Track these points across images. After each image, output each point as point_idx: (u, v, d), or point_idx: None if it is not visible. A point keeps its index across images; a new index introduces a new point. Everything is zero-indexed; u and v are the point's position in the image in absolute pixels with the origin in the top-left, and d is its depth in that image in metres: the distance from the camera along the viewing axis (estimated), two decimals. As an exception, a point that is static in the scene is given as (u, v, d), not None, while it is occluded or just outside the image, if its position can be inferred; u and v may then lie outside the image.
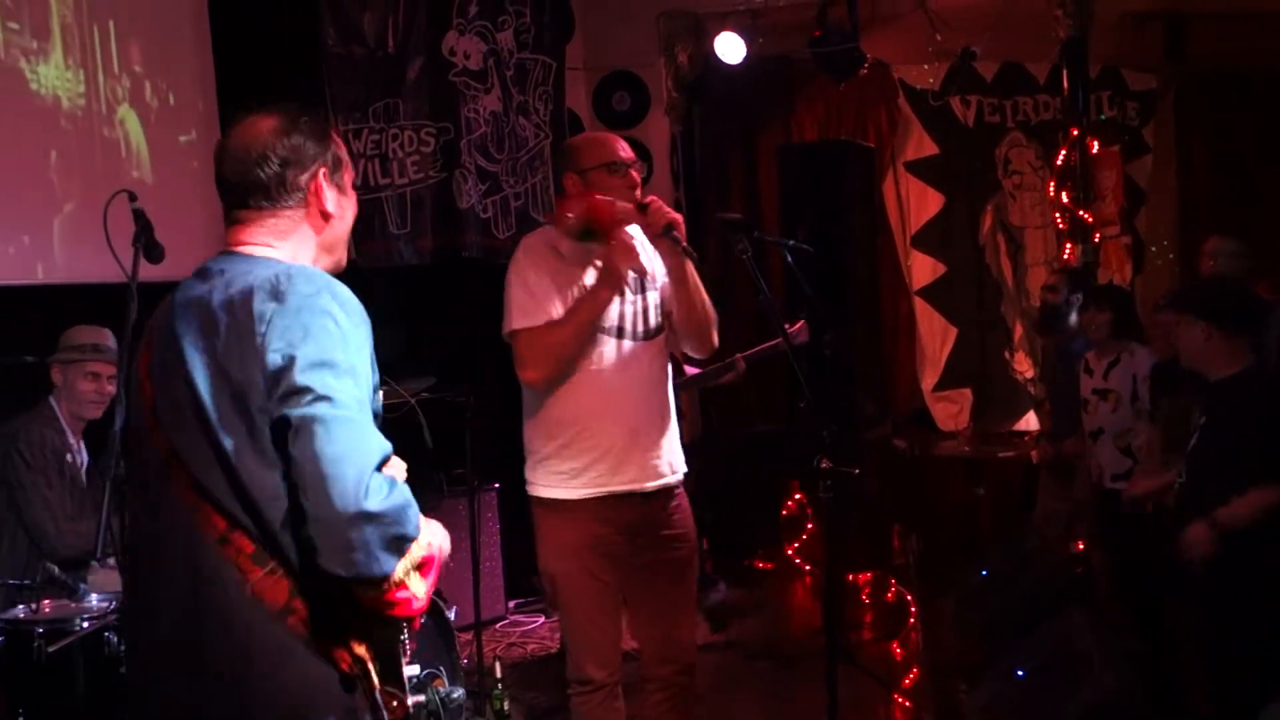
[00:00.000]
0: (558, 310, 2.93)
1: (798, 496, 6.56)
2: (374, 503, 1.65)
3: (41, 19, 4.26)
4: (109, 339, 3.70)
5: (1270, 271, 5.16)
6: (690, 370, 4.92)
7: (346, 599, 1.73)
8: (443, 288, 5.89)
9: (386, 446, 1.72)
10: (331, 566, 1.66)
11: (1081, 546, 5.22)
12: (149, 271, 3.01)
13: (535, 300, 2.92)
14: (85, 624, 2.96)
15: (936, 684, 4.61)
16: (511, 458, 3.31)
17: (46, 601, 3.11)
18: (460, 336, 5.40)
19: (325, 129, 1.96)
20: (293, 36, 5.35)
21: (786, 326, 4.16)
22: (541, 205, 6.42)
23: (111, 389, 3.64)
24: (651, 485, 3.04)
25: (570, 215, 2.97)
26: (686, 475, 3.17)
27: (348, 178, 1.99)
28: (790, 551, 6.48)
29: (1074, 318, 5.16)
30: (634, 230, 3.05)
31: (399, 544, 1.69)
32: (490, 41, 6.16)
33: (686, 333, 3.11)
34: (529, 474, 3.10)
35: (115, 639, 2.94)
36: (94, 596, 3.18)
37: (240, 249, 1.89)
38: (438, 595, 3.64)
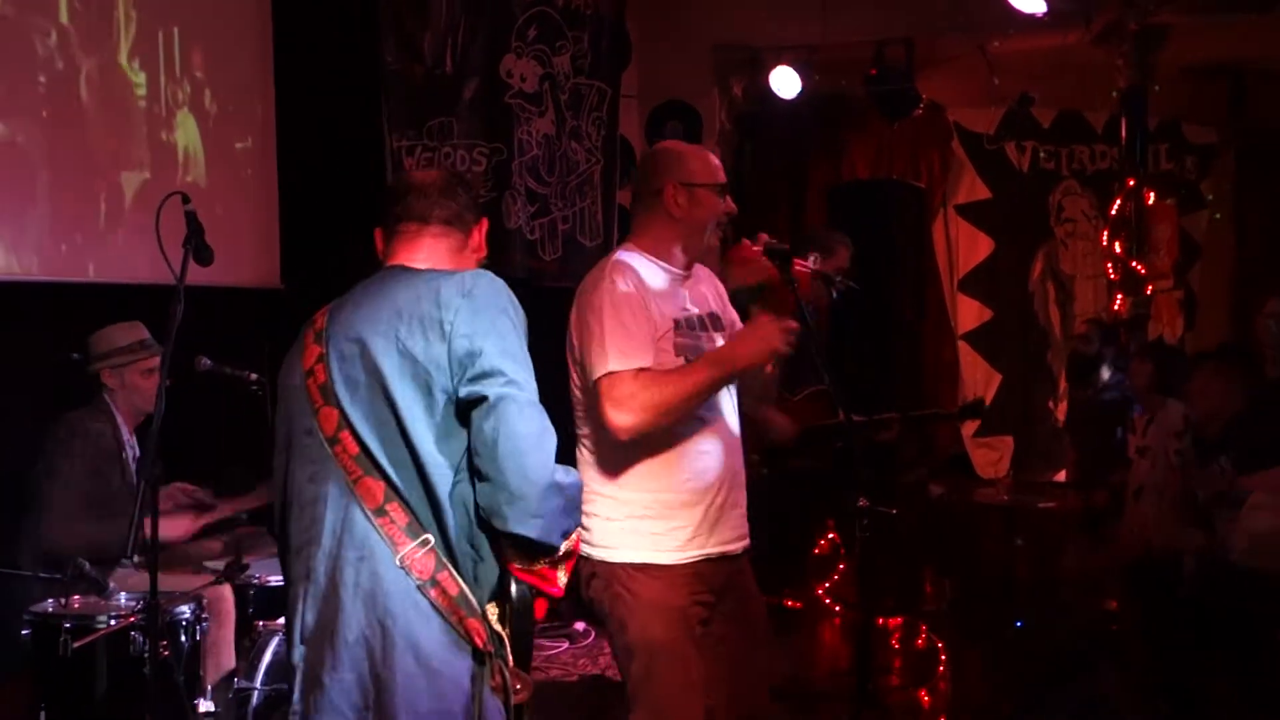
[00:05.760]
0: (649, 356, 2.63)
1: (830, 536, 6.48)
2: (561, 476, 1.92)
3: (108, 21, 4.33)
4: (145, 331, 3.72)
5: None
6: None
7: (497, 577, 1.96)
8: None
9: (555, 436, 1.95)
10: (521, 530, 1.88)
11: (1115, 604, 5.11)
12: (197, 275, 3.03)
13: (634, 342, 2.61)
14: (112, 621, 2.98)
15: (964, 735, 4.52)
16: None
17: (76, 597, 3.14)
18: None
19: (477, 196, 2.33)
20: (352, 51, 5.41)
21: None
22: (589, 230, 6.43)
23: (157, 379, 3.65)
24: (738, 546, 2.84)
25: (745, 264, 2.80)
26: None
27: None
28: (820, 591, 6.40)
29: (1105, 370, 5.11)
30: (704, 273, 2.87)
31: (570, 524, 1.96)
32: (547, 65, 6.19)
33: (759, 384, 2.93)
34: (603, 538, 2.74)
35: (140, 638, 2.96)
36: (122, 595, 3.20)
37: (412, 264, 2.11)
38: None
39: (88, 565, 2.93)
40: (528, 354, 1.99)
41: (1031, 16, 5.87)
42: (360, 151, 5.38)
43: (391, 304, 2.00)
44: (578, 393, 2.75)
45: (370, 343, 1.97)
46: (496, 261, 5.88)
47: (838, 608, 6.22)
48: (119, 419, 3.66)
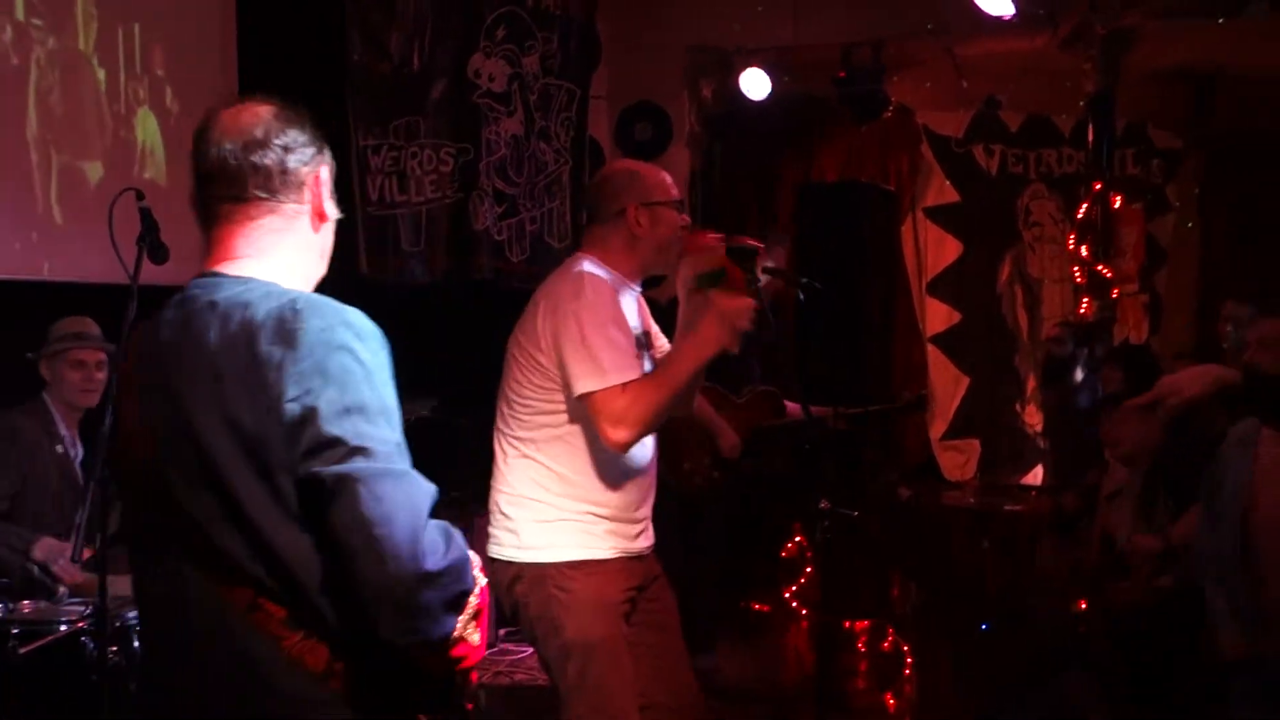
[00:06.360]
0: (636, 369, 2.66)
1: (798, 539, 6.47)
2: (433, 561, 1.49)
3: (66, 17, 4.27)
4: (92, 326, 3.69)
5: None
6: (795, 408, 4.80)
7: (400, 663, 1.58)
8: (452, 308, 5.85)
9: (433, 490, 1.54)
10: (393, 636, 1.51)
11: (1084, 606, 5.12)
12: (156, 274, 2.98)
13: (622, 352, 2.65)
14: (62, 627, 2.92)
15: (930, 738, 4.51)
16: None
17: (26, 602, 3.08)
18: (466, 358, 5.37)
19: (320, 132, 1.76)
20: (318, 50, 5.36)
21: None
22: (557, 231, 6.40)
23: (101, 375, 3.62)
24: (649, 549, 2.90)
25: (703, 252, 2.77)
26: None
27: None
28: (787, 594, 6.39)
29: (1078, 371, 5.13)
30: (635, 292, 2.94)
31: (459, 601, 1.55)
32: (516, 65, 6.16)
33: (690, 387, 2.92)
34: (532, 539, 2.76)
35: (91, 644, 2.90)
36: (74, 600, 3.14)
37: (227, 267, 1.67)
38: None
39: (36, 569, 2.87)
40: (385, 391, 1.57)
41: (999, 19, 5.89)
42: (325, 151, 5.33)
43: (205, 353, 1.56)
44: (523, 392, 2.76)
45: (192, 413, 1.55)
46: (463, 260, 5.93)
47: (804, 611, 6.22)
48: (55, 415, 3.61)
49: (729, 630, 5.77)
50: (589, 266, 2.76)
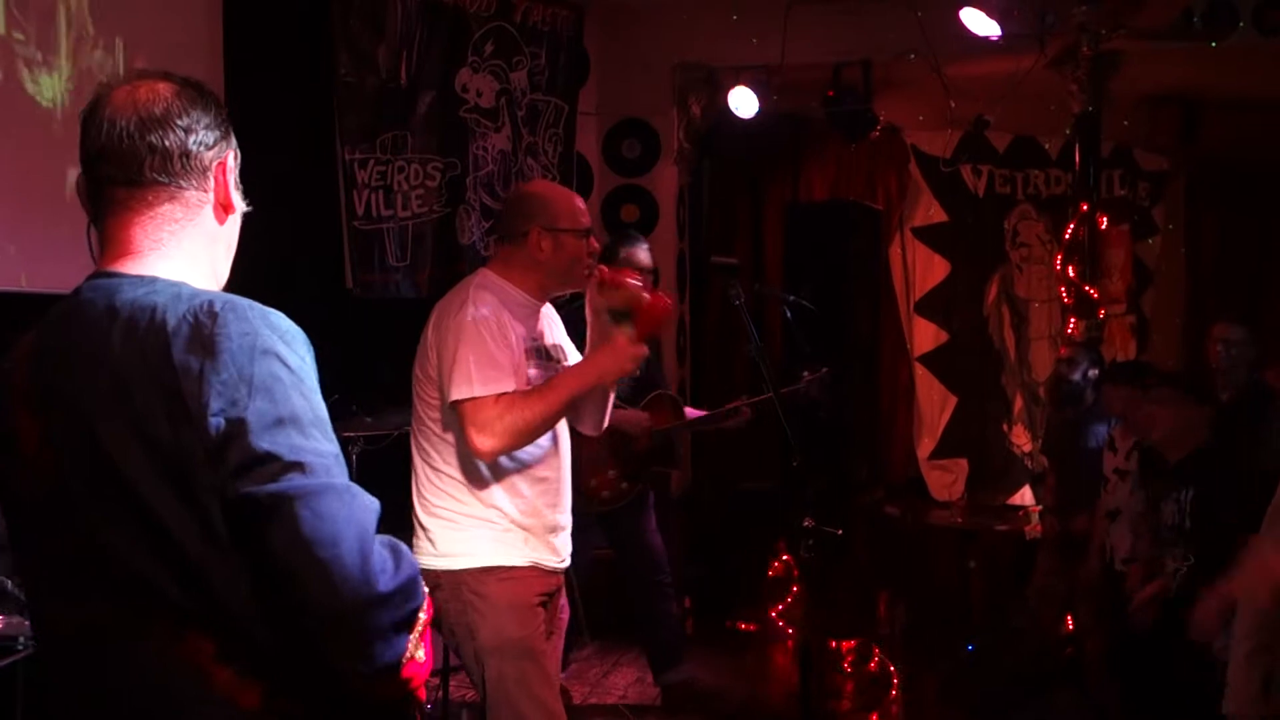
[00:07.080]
0: (511, 381, 2.74)
1: (784, 557, 6.45)
2: (385, 581, 1.37)
3: (49, 30, 4.24)
4: None
5: (1277, 358, 5.09)
6: (694, 412, 4.83)
7: (348, 694, 1.45)
8: (438, 323, 5.82)
9: (376, 505, 1.42)
10: (345, 664, 1.40)
11: (1072, 626, 5.10)
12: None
13: (497, 366, 2.73)
14: (35, 642, 2.87)
15: (916, 760, 4.48)
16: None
17: (1, 617, 3.03)
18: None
19: (227, 117, 1.60)
20: (305, 63, 5.34)
21: (806, 375, 4.12)
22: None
23: None
24: (563, 566, 2.96)
25: (619, 289, 2.85)
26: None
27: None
28: (774, 614, 6.36)
29: (1089, 393, 5.10)
30: (548, 310, 3.02)
31: (410, 620, 1.44)
32: (504, 81, 6.15)
33: (596, 406, 3.01)
34: (446, 547, 2.83)
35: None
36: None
37: (128, 266, 1.50)
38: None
39: (10, 584, 2.83)
40: (315, 399, 1.44)
41: (986, 40, 5.90)
42: (311, 165, 5.30)
43: (109, 364, 1.40)
44: (426, 408, 2.86)
45: (100, 432, 1.39)
46: (449, 275, 5.90)
47: (790, 630, 6.19)
48: None
49: (714, 649, 5.74)
50: (477, 290, 2.84)
